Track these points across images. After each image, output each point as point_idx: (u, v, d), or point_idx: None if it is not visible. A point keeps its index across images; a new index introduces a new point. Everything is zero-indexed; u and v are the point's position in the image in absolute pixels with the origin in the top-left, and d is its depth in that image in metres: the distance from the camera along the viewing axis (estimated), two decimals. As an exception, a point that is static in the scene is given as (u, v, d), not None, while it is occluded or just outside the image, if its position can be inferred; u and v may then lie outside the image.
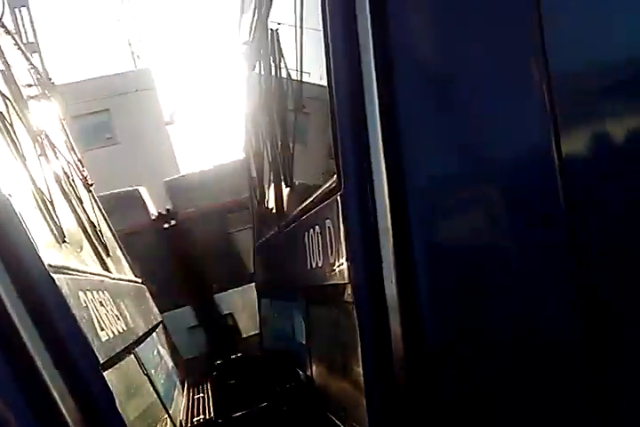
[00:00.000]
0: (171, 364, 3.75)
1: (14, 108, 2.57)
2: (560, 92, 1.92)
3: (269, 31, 3.38)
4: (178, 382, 3.63)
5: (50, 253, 2.09)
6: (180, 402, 3.20)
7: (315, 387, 2.84)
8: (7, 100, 2.51)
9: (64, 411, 1.63)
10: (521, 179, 1.96)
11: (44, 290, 1.73)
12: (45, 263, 1.80)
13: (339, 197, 2.06)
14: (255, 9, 3.72)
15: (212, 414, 2.79)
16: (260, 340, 4.91)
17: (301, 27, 2.90)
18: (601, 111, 1.96)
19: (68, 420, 1.64)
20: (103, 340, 2.05)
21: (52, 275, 1.80)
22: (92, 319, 2.05)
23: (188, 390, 3.68)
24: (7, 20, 10.02)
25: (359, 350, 1.99)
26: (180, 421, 2.80)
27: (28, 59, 10.60)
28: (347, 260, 2.06)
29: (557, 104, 1.92)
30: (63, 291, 1.83)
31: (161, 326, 4.45)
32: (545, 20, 1.90)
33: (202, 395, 3.36)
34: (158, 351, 3.51)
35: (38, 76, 10.79)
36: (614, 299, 1.87)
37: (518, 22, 1.94)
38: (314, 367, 2.91)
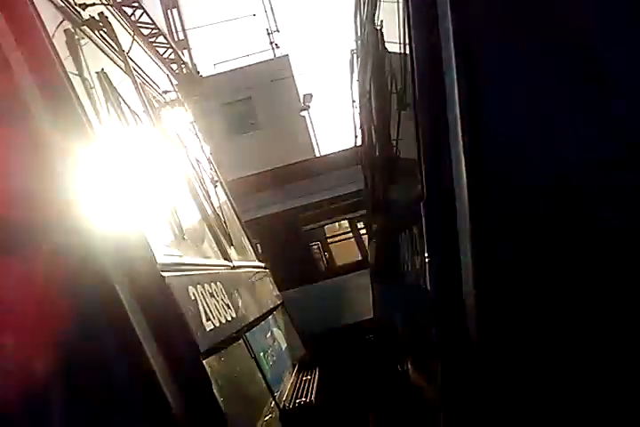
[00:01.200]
0: (284, 345, 4.07)
1: (141, 120, 2.95)
2: None
3: (375, 31, 3.45)
4: (290, 363, 3.94)
5: (166, 251, 2.41)
6: (288, 383, 3.49)
7: (408, 386, 2.95)
8: (136, 115, 2.89)
9: (168, 395, 1.92)
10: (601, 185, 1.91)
11: (154, 288, 2.04)
12: (158, 263, 2.11)
13: (422, 206, 2.13)
14: (363, 9, 3.80)
15: (312, 398, 3.03)
16: (374, 325, 5.09)
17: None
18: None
19: (171, 403, 1.93)
20: (207, 329, 2.34)
21: (163, 273, 2.10)
22: (199, 311, 2.34)
23: (299, 371, 3.98)
24: (161, 22, 11.00)
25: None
26: (284, 402, 3.07)
27: (179, 56, 11.42)
28: (427, 269, 2.13)
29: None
30: (171, 287, 2.12)
31: (280, 308, 4.80)
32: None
33: (309, 377, 3.63)
34: (272, 334, 3.83)
35: (187, 71, 11.69)
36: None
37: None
38: (409, 361, 3.02)
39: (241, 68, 15.35)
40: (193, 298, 2.35)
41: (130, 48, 3.21)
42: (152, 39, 7.94)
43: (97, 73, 2.73)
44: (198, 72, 11.65)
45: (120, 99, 2.78)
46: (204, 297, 2.50)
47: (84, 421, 1.93)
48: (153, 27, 8.11)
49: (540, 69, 1.97)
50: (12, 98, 2.03)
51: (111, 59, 3.09)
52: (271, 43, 15.62)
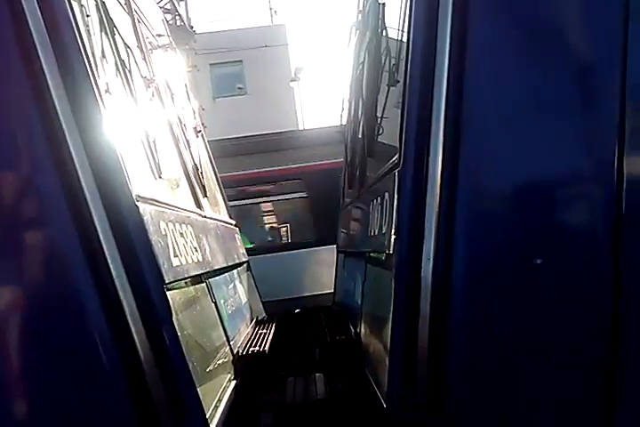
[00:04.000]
0: (244, 300, 4.14)
1: (134, 57, 2.93)
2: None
3: (377, 4, 3.46)
4: (248, 318, 4.02)
5: (142, 185, 2.43)
6: (243, 334, 3.58)
7: (359, 343, 3.07)
8: (129, 49, 2.87)
9: (129, 317, 1.98)
10: (576, 185, 2.00)
11: (128, 216, 2.08)
12: (134, 194, 2.14)
13: (396, 173, 2.21)
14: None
15: (266, 348, 3.12)
16: (333, 295, 5.21)
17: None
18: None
19: (131, 325, 1.99)
20: (174, 264, 2.39)
21: (138, 204, 2.13)
22: (168, 246, 2.38)
23: (255, 326, 4.07)
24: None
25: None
26: (238, 348, 3.16)
27: (174, 6, 11.14)
28: (394, 233, 2.21)
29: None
30: (145, 218, 2.15)
31: (245, 266, 4.87)
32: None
33: (265, 331, 3.72)
34: (234, 287, 3.90)
35: (181, 23, 11.46)
36: None
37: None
38: (363, 324, 3.14)
39: (236, 29, 15.07)
40: (164, 233, 2.39)
41: (130, -18, 3.16)
42: (150, -15, 7.73)
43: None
44: (192, 26, 11.42)
45: (115, 30, 2.75)
46: (173, 234, 2.54)
47: (47, 341, 1.98)
48: (152, -28, 7.88)
49: (528, 63, 2.05)
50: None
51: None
52: (270, 9, 15.36)
